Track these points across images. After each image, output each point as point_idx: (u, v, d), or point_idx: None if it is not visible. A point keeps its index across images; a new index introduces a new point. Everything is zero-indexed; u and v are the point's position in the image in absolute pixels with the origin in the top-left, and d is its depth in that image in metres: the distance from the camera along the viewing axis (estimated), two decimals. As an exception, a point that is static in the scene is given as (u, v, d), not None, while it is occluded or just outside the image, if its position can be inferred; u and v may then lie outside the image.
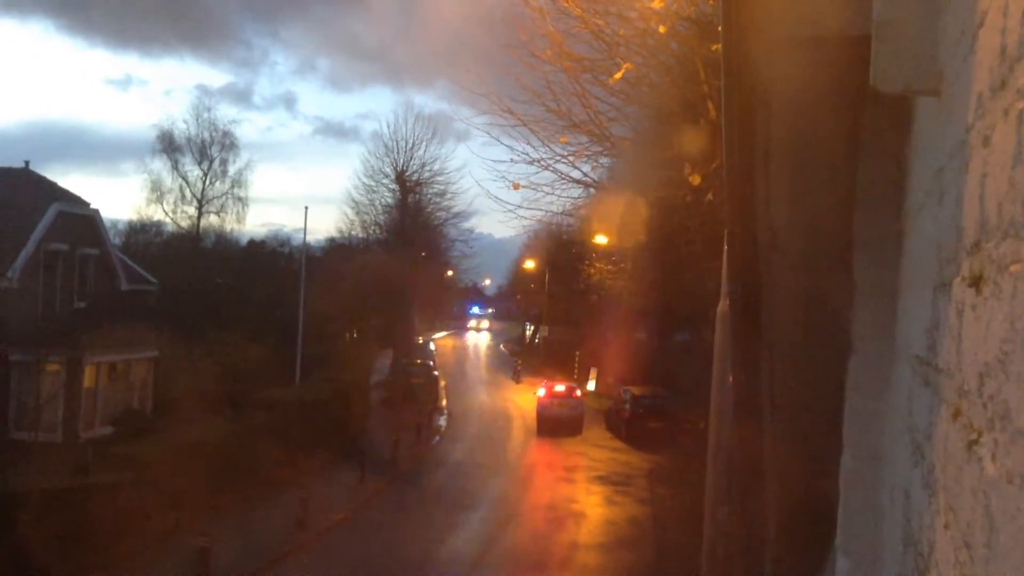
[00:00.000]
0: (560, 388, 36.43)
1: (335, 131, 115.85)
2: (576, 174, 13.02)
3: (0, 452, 19.23)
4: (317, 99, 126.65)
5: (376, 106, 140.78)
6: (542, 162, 12.53)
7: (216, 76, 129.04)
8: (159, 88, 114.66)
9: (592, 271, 31.56)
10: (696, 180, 11.78)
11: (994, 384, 0.86)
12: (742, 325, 2.47)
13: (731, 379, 2.57)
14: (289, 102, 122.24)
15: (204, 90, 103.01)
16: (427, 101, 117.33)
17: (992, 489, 0.85)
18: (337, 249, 51.16)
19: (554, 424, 34.43)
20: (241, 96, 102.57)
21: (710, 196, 11.17)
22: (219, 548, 16.14)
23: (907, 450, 1.53)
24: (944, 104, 1.26)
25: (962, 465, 0.96)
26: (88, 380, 24.60)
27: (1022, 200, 0.78)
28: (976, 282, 0.96)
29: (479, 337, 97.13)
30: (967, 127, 1.04)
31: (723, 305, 10.19)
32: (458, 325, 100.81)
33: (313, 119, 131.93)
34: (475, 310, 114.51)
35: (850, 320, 2.18)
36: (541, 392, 36.42)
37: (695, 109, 11.95)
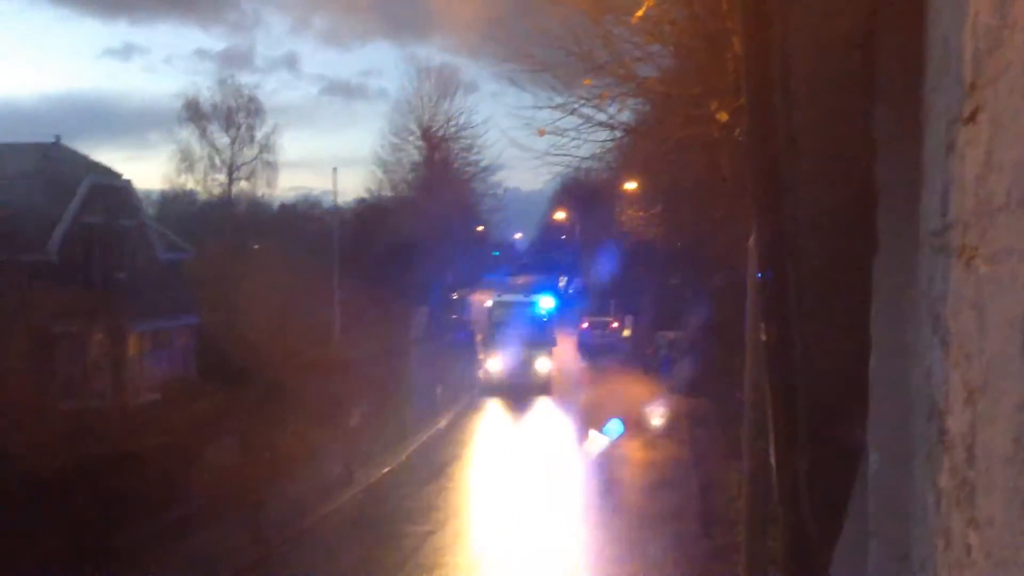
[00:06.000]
0: (599, 320, 45.40)
1: (341, 90, 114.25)
2: (602, 117, 12.98)
3: (46, 422, 19.70)
4: (318, 58, 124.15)
5: (378, 62, 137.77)
6: (566, 107, 12.49)
7: (212, 41, 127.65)
8: (159, 56, 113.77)
9: (623, 218, 31.41)
10: (724, 117, 11.66)
11: (984, 189, 0.90)
12: (765, 229, 2.49)
13: (758, 283, 2.60)
14: (290, 63, 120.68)
15: (203, 55, 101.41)
16: (430, 53, 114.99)
17: (984, 283, 0.89)
18: (367, 209, 51.36)
19: (593, 349, 42.80)
20: (243, 60, 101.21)
21: (738, 132, 11.06)
22: (269, 505, 16.56)
23: (929, 329, 1.57)
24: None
25: (962, 287, 1.01)
26: (132, 348, 25.12)
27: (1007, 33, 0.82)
28: (972, 116, 0.99)
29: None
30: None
31: (754, 239, 10.15)
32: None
33: (317, 79, 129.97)
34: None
35: (874, 217, 2.21)
36: (584, 325, 45.14)
37: (720, 44, 11.79)
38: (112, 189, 28.00)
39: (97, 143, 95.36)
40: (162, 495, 16.66)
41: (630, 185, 27.92)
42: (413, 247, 41.53)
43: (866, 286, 2.39)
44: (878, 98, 2.25)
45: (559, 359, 37.90)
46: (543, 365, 33.67)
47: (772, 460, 3.48)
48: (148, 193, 47.80)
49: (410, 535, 16.86)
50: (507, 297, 41.25)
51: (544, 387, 32.94)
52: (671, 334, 34.45)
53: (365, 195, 52.30)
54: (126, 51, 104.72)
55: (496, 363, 33.82)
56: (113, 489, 15.68)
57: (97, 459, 16.86)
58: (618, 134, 14.77)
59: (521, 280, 73.02)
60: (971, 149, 1.02)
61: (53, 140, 29.12)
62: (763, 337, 3.08)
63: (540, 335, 34.97)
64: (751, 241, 11.17)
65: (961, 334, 1.08)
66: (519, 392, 31.68)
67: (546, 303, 38.82)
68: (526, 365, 33.13)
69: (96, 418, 20.33)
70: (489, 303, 39.45)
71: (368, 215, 49.85)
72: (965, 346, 1.07)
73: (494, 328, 35.76)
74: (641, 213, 28.05)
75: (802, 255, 2.98)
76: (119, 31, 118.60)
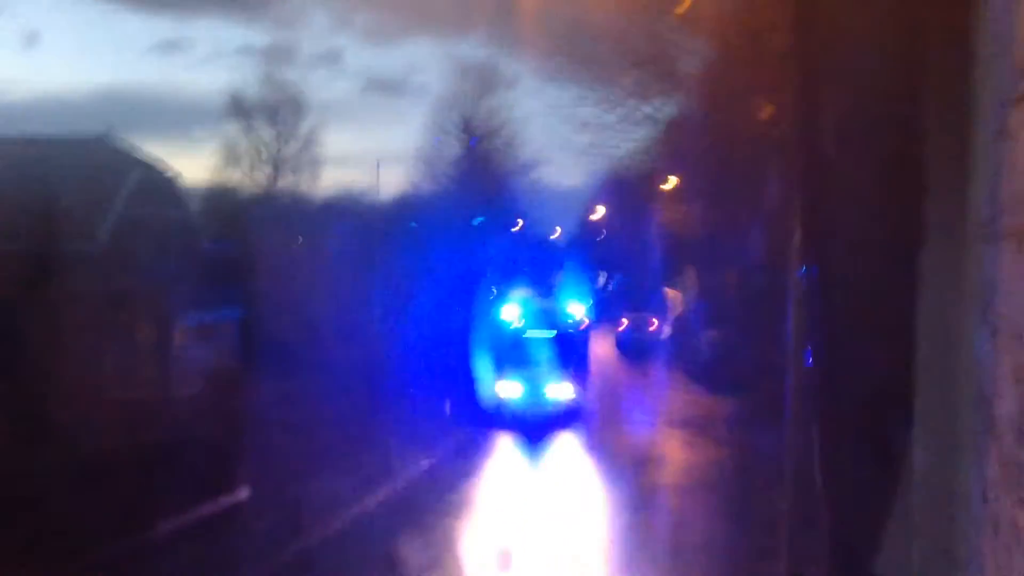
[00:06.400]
0: (639, 318, 43.97)
1: (383, 87, 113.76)
2: (644, 112, 12.93)
3: (94, 410, 20.12)
4: (360, 55, 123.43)
5: (419, 59, 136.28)
6: (608, 101, 12.48)
7: (255, 37, 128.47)
8: (204, 52, 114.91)
9: (665, 215, 31.27)
10: (768, 111, 11.55)
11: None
12: (810, 223, 2.47)
13: (802, 278, 2.58)
14: (333, 59, 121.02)
15: (247, 51, 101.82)
16: (471, 49, 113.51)
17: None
18: (408, 204, 51.61)
19: (631, 347, 41.60)
20: (286, 56, 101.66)
21: (783, 127, 10.96)
22: (310, 497, 16.74)
23: (977, 316, 1.54)
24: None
25: (1016, 270, 0.99)
26: (178, 339, 25.54)
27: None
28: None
29: None
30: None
31: (799, 237, 10.07)
32: None
33: (359, 75, 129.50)
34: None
35: (922, 207, 2.18)
36: (623, 323, 44.11)
37: (762, 40, 11.69)
38: (159, 182, 28.47)
39: (144, 137, 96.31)
40: (204, 486, 16.92)
41: (671, 181, 27.78)
42: (453, 242, 41.70)
43: (913, 278, 2.36)
44: (926, 86, 2.22)
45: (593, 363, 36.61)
46: (568, 390, 25.68)
47: (815, 459, 3.44)
48: (194, 187, 48.45)
49: (446, 528, 17.03)
50: (525, 301, 31.58)
51: (570, 418, 25.33)
52: (712, 332, 34.17)
53: (406, 191, 52.53)
54: (171, 46, 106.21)
55: (506, 387, 25.71)
56: (157, 479, 15.96)
57: (142, 448, 17.21)
58: (660, 129, 14.72)
59: (558, 277, 71.50)
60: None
61: (102, 133, 29.65)
62: (807, 335, 3.05)
63: (567, 350, 26.76)
64: (796, 239, 11.07)
65: (1013, 317, 1.07)
66: (535, 425, 24.81)
67: (575, 309, 29.77)
68: (546, 389, 25.49)
69: (141, 408, 20.70)
70: (502, 307, 30.10)
71: (408, 211, 50.13)
72: (1017, 329, 1.05)
73: (506, 341, 27.11)
74: (683, 209, 27.91)
75: (848, 248, 2.95)
76: (165, 27, 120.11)
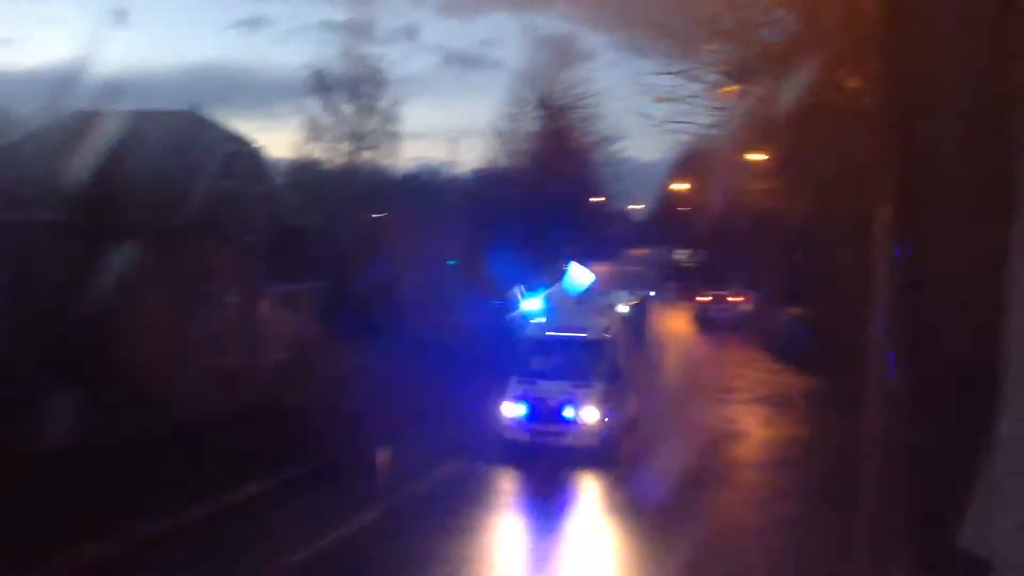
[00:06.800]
0: (718, 295, 46.41)
1: (461, 61, 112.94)
2: (724, 82, 12.73)
3: (184, 378, 20.86)
4: (437, 29, 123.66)
5: (497, 32, 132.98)
6: (688, 73, 12.35)
7: (335, 12, 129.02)
8: (285, 28, 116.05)
9: (745, 191, 30.78)
10: (853, 83, 11.28)
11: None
12: (899, 192, 2.47)
13: (888, 252, 2.58)
14: (411, 33, 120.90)
15: (328, 26, 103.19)
16: (548, 22, 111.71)
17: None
18: (484, 179, 51.82)
19: (711, 323, 43.99)
20: (365, 31, 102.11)
21: (870, 99, 10.67)
22: (387, 467, 17.09)
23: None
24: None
25: None
26: (263, 309, 26.24)
27: None
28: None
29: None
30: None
31: (881, 210, 9.88)
32: None
33: (437, 49, 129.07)
34: None
35: (1012, 174, 2.16)
36: (703, 298, 46.33)
37: (849, 7, 11.39)
38: (245, 156, 29.09)
39: (229, 111, 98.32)
40: (287, 450, 17.42)
41: (753, 155, 27.26)
42: (529, 217, 41.77)
43: (1004, 249, 2.34)
44: (1016, 54, 2.19)
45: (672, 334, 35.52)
46: (593, 415, 19.23)
47: (899, 433, 3.42)
48: (277, 161, 49.34)
49: (507, 504, 17.37)
50: (562, 293, 22.47)
51: (598, 455, 19.16)
52: (793, 309, 33.65)
53: (483, 165, 52.73)
54: (255, 23, 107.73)
55: (517, 408, 19.70)
56: (242, 443, 16.52)
57: (229, 414, 17.84)
58: (742, 101, 14.46)
59: (637, 252, 70.51)
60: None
61: (189, 108, 30.39)
62: (896, 305, 3.03)
63: (603, 362, 20.35)
64: (883, 212, 10.82)
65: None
66: (552, 460, 18.88)
67: (623, 307, 23.51)
68: (571, 413, 19.34)
69: (230, 375, 21.38)
70: (526, 301, 22.67)
71: (485, 185, 50.35)
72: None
73: (530, 347, 20.98)
74: (765, 183, 27.42)
75: (938, 219, 2.92)
76: (248, 3, 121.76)
